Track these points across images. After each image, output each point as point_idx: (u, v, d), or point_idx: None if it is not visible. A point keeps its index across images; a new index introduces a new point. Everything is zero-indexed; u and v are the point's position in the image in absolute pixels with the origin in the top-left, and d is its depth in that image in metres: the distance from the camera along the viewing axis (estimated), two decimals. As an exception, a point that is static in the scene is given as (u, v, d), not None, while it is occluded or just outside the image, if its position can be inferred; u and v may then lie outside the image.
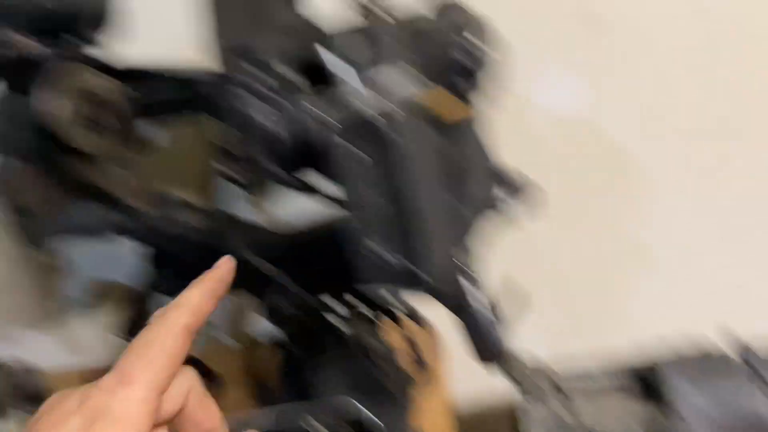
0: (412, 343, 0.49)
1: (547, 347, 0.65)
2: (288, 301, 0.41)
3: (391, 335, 0.48)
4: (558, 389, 0.57)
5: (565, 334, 0.81)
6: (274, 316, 0.42)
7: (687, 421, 0.50)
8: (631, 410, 0.55)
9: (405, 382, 0.48)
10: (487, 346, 0.37)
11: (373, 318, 0.45)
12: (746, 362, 0.52)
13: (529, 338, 0.50)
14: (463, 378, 0.61)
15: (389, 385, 0.47)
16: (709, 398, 0.50)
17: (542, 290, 0.75)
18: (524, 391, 0.53)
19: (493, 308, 0.37)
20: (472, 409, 0.74)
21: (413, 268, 0.33)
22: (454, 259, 0.36)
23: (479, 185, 0.39)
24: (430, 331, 0.52)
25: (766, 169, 0.80)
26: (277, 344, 0.50)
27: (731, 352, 0.55)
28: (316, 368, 0.47)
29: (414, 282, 0.33)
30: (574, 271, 0.82)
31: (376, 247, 0.33)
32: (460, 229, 0.37)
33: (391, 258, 0.33)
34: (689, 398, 0.51)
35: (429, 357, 0.49)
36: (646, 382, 0.57)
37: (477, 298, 0.36)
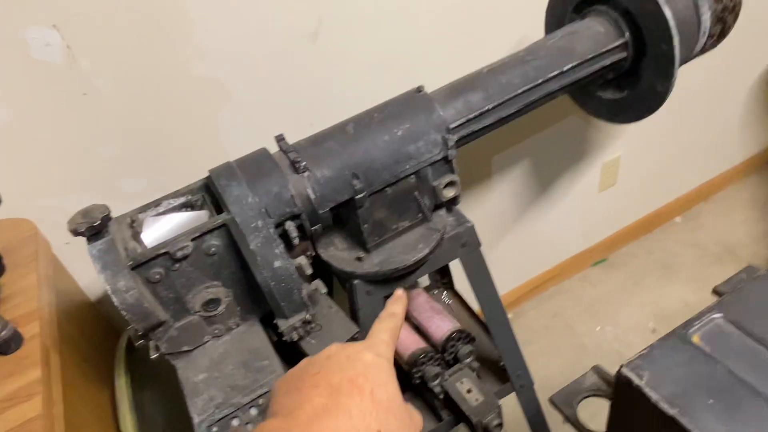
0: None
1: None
2: None
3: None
4: (131, 226, 0.65)
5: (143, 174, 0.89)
6: None
7: (233, 212, 0.63)
8: (197, 217, 0.66)
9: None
10: None
11: None
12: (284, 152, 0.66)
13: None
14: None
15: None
16: (253, 192, 0.63)
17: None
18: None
19: None
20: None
21: None
22: None
23: None
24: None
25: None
26: None
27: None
28: None
29: None
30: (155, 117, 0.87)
31: None
32: None
33: None
34: (236, 193, 0.63)
35: None
36: (210, 193, 0.69)
37: None
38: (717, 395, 0.57)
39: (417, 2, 0.99)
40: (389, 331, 0.50)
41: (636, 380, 0.59)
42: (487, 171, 1.36)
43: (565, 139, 1.43)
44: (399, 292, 0.57)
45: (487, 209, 1.43)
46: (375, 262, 0.75)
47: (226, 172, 0.67)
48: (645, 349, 0.62)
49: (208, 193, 0.70)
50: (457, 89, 0.78)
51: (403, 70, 1.04)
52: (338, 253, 0.76)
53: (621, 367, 0.61)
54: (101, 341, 0.90)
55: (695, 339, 0.60)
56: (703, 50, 0.89)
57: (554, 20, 0.94)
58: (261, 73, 0.92)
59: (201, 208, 0.69)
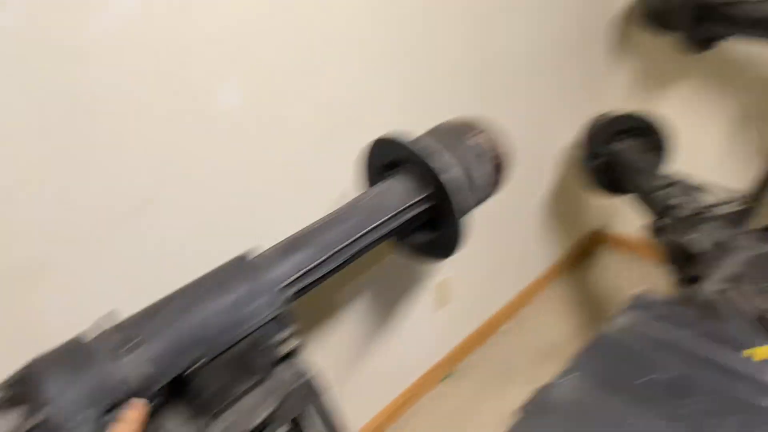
0: None
1: None
2: None
3: None
4: None
5: None
6: None
7: (51, 410, 0.59)
8: (11, 419, 0.61)
9: None
10: None
11: None
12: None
13: None
14: None
15: None
16: (74, 384, 0.61)
17: None
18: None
19: None
20: None
21: None
22: None
23: None
24: None
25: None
26: None
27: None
28: None
29: None
30: None
31: None
32: None
33: None
34: (54, 389, 0.61)
35: None
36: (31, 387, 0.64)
37: None
38: None
39: (245, 164, 1.08)
40: None
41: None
42: (330, 308, 1.42)
43: (399, 268, 1.57)
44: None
45: (336, 343, 1.47)
46: (219, 430, 0.74)
47: (46, 364, 0.64)
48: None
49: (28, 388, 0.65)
50: (286, 249, 0.85)
51: (235, 231, 1.10)
52: (178, 428, 0.74)
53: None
54: None
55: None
56: (487, 197, 1.09)
57: (369, 177, 1.09)
58: (86, 248, 0.90)
59: (19, 404, 0.64)
